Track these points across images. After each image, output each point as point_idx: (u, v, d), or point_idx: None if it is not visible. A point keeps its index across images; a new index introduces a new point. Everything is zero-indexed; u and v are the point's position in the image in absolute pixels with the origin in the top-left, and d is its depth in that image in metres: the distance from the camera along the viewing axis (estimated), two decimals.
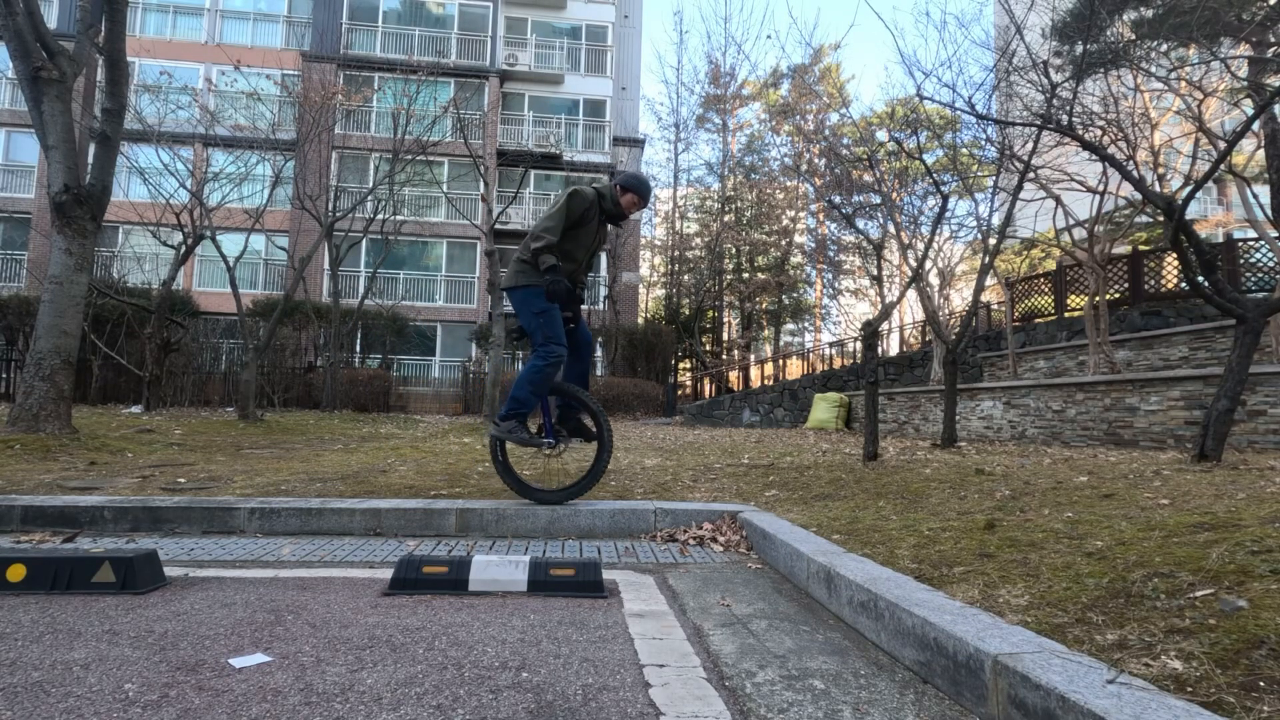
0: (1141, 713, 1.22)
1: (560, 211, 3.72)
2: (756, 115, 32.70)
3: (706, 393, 27.10)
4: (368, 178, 20.29)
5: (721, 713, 1.58)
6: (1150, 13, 11.58)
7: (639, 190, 3.98)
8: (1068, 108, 5.51)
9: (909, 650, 1.87)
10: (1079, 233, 10.37)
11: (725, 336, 32.20)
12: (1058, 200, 9.50)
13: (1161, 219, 5.53)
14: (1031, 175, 7.64)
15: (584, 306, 4.31)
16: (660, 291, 33.75)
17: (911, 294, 15.50)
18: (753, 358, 29.98)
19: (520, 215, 22.45)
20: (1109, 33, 10.94)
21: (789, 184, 30.19)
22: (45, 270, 7.16)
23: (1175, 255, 6.34)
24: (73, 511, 3.62)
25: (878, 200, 17.67)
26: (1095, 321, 9.31)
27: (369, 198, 16.03)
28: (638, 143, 25.79)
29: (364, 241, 19.92)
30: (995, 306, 18.91)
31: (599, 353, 21.63)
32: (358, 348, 19.39)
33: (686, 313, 28.98)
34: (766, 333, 33.04)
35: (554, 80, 24.07)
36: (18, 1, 6.64)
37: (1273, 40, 10.81)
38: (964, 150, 10.74)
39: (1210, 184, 23.90)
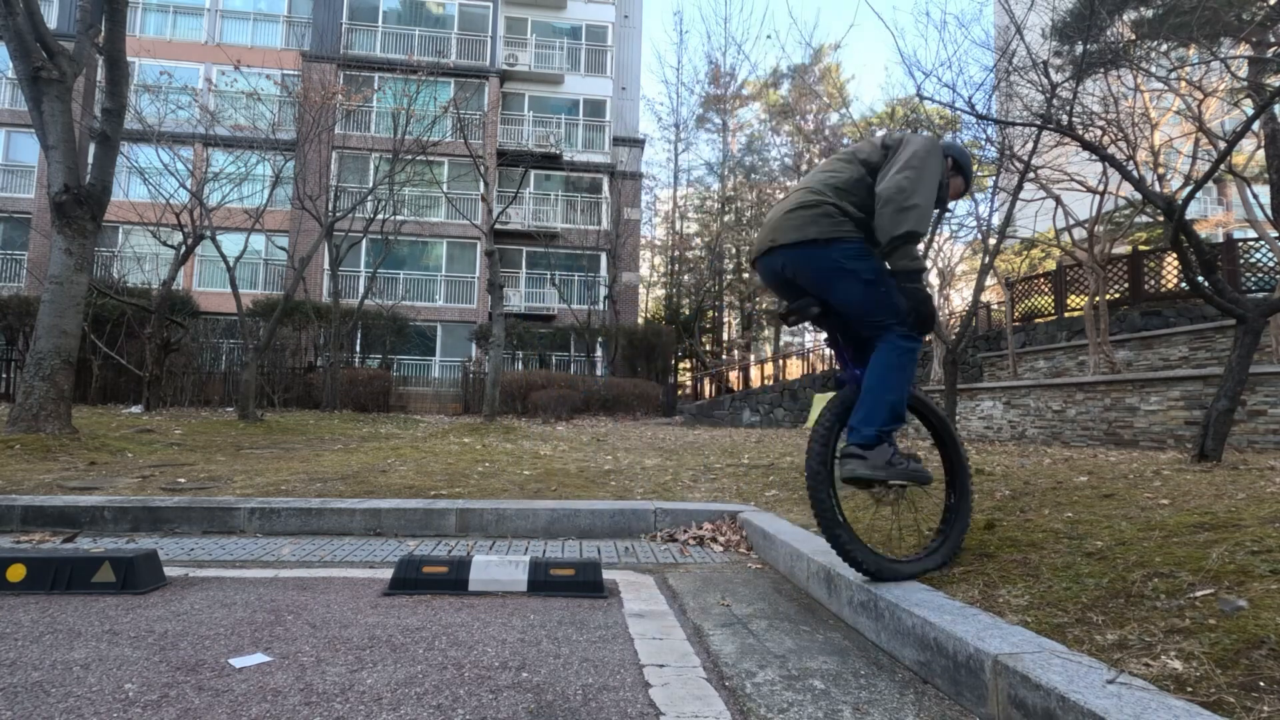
0: (1141, 713, 1.22)
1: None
2: (756, 115, 32.76)
3: (706, 393, 27.08)
4: (368, 178, 20.28)
5: (721, 713, 1.58)
6: (1150, 13, 11.57)
7: (967, 173, 2.59)
8: (1068, 108, 5.51)
9: (909, 650, 1.87)
10: (1079, 233, 10.37)
11: (725, 336, 32.21)
12: (1058, 200, 9.50)
13: (1161, 219, 5.53)
14: (1031, 175, 7.64)
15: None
16: (660, 291, 33.75)
17: None
18: (753, 358, 29.97)
19: (520, 215, 22.45)
20: (1109, 33, 10.93)
21: (789, 184, 30.20)
22: (45, 270, 7.15)
23: (1175, 255, 6.33)
24: (73, 511, 3.62)
25: None
26: (1095, 321, 9.31)
27: (369, 198, 16.02)
28: (638, 143, 25.79)
29: (364, 241, 19.91)
30: (995, 306, 18.90)
31: (599, 352, 21.61)
32: (358, 348, 19.38)
33: (686, 313, 28.98)
34: (766, 333, 33.02)
35: (554, 80, 24.07)
36: (18, 1, 6.64)
37: (1273, 40, 10.80)
38: None
39: (1210, 184, 23.86)
